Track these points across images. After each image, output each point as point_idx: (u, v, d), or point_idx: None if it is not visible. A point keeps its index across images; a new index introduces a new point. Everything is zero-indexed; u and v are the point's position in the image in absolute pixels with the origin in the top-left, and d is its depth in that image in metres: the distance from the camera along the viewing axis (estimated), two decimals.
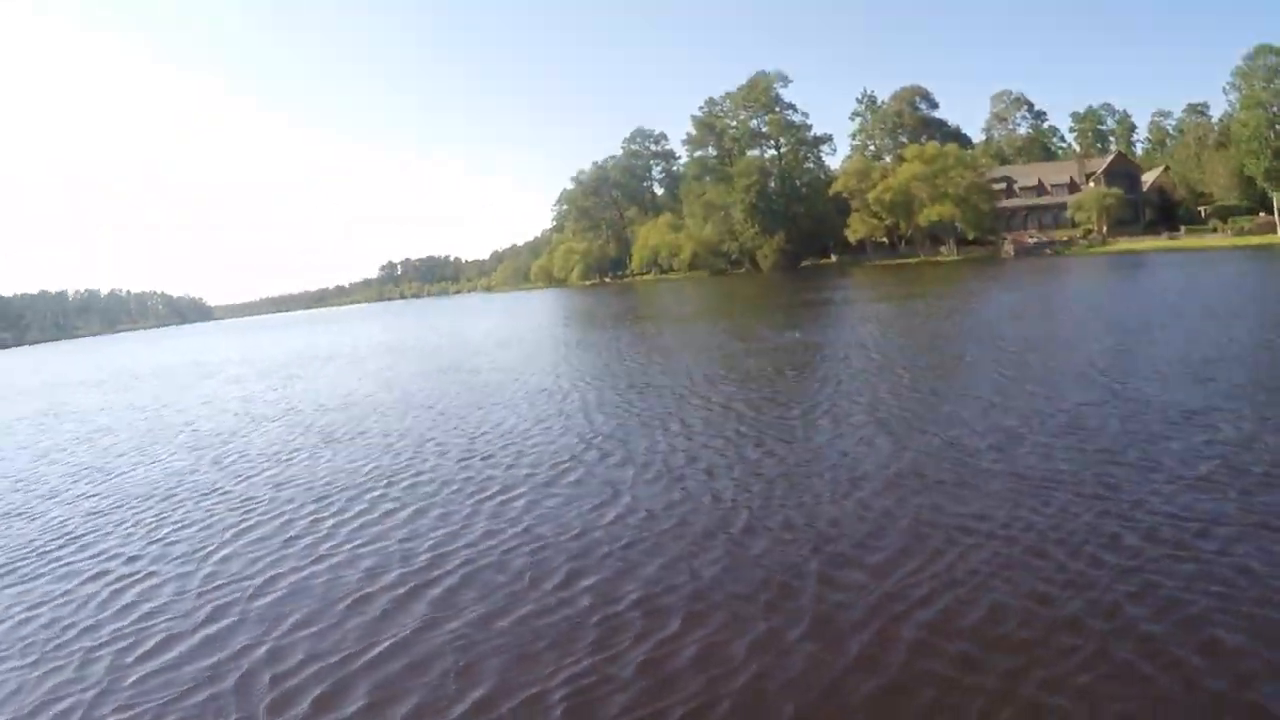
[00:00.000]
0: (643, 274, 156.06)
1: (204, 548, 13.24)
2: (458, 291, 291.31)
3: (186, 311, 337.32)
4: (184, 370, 57.69)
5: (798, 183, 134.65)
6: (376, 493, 15.71)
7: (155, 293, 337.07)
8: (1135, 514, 10.85)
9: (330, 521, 14.04)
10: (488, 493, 14.96)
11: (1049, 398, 18.37)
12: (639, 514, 12.92)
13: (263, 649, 9.38)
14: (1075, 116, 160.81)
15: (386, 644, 9.16)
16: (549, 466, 16.47)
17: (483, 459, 17.83)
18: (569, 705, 7.60)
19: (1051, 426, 15.67)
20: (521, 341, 49.98)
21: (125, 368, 68.16)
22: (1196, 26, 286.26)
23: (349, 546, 12.63)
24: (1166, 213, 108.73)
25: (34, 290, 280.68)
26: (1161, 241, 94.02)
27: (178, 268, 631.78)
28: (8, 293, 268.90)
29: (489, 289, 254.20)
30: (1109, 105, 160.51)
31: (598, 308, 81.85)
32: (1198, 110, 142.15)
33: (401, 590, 10.76)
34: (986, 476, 12.98)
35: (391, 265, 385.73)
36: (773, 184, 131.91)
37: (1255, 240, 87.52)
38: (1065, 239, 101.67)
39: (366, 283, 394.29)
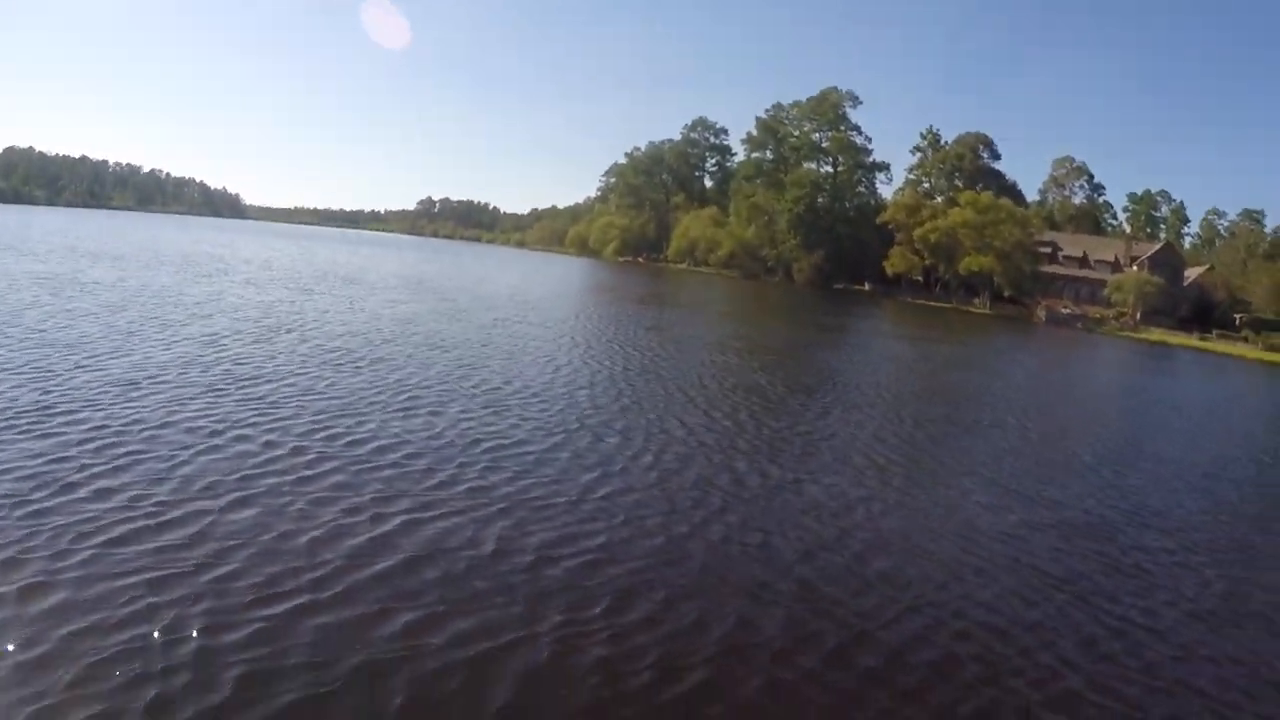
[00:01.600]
0: (677, 262, 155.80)
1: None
2: (490, 241, 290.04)
3: (221, 205, 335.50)
4: (206, 260, 58.90)
5: (847, 204, 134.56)
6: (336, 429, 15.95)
7: (194, 180, 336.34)
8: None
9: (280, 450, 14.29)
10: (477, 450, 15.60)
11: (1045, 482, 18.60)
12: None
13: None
14: (1131, 197, 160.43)
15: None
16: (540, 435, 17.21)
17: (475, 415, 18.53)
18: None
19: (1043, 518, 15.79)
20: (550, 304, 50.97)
21: (150, 246, 68.71)
22: (1267, 135, 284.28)
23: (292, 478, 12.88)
24: (1202, 311, 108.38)
25: (75, 154, 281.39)
26: (1191, 339, 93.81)
27: (219, 161, 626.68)
28: (49, 151, 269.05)
29: (522, 244, 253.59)
30: (1166, 193, 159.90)
31: (628, 286, 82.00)
32: (1253, 217, 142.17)
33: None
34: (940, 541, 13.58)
35: (430, 201, 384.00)
36: (822, 200, 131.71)
37: None
38: (1098, 316, 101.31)
39: (403, 214, 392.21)
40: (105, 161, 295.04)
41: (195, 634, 8.00)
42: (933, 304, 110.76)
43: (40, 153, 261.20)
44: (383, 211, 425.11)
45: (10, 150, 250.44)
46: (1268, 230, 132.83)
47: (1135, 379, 50.64)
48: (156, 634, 7.88)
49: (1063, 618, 11.00)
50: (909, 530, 13.84)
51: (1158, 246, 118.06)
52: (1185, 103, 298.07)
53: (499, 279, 74.51)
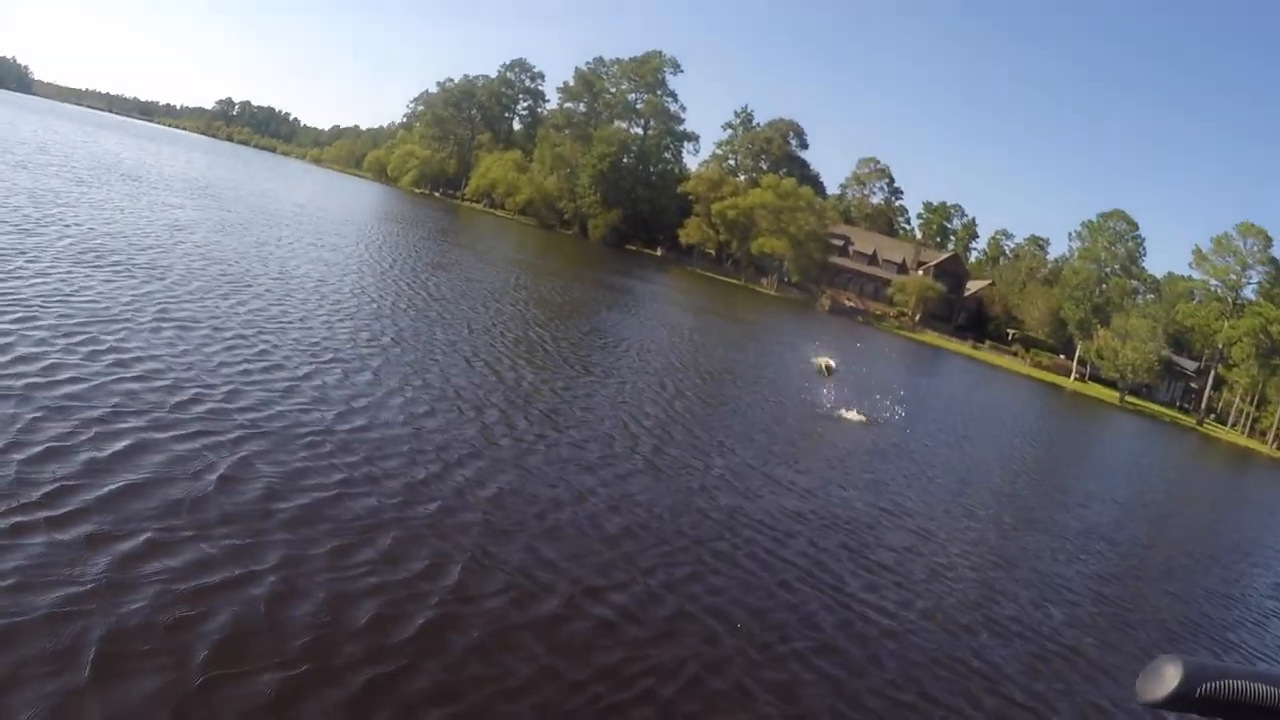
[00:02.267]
0: (473, 201, 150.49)
1: None
2: (285, 154, 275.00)
3: (5, 76, 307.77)
4: None
5: (651, 168, 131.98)
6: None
7: None
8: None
9: None
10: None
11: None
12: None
13: None
14: (927, 205, 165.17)
15: None
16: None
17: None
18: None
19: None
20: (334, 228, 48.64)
21: None
22: (1058, 168, 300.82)
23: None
24: (979, 322, 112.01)
25: None
26: (964, 346, 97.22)
27: (9, 30, 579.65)
28: None
29: (318, 161, 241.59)
30: (960, 206, 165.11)
31: (419, 220, 79.15)
32: (1038, 243, 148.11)
33: None
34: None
35: (229, 102, 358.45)
36: (627, 160, 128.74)
37: (1047, 376, 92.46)
38: (880, 313, 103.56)
39: (199, 112, 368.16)
40: None
41: None
42: (721, 278, 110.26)
43: None
44: (178, 107, 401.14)
45: None
46: (1050, 258, 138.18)
47: (914, 377, 52.37)
48: None
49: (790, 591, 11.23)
50: (652, 496, 13.42)
51: (945, 256, 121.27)
52: (991, 126, 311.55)
53: (288, 195, 69.64)
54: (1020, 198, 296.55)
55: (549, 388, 19.45)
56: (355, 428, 12.83)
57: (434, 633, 7.86)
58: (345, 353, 17.57)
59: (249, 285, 22.70)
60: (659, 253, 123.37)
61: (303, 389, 14.21)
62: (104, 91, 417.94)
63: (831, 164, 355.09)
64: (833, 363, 28.60)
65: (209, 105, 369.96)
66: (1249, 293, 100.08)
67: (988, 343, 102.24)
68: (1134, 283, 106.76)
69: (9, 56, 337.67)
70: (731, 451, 17.72)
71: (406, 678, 7.12)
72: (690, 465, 15.83)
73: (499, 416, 15.63)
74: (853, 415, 25.76)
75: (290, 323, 19.20)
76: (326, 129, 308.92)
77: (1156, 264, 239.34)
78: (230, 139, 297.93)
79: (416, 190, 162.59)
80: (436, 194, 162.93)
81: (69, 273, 18.26)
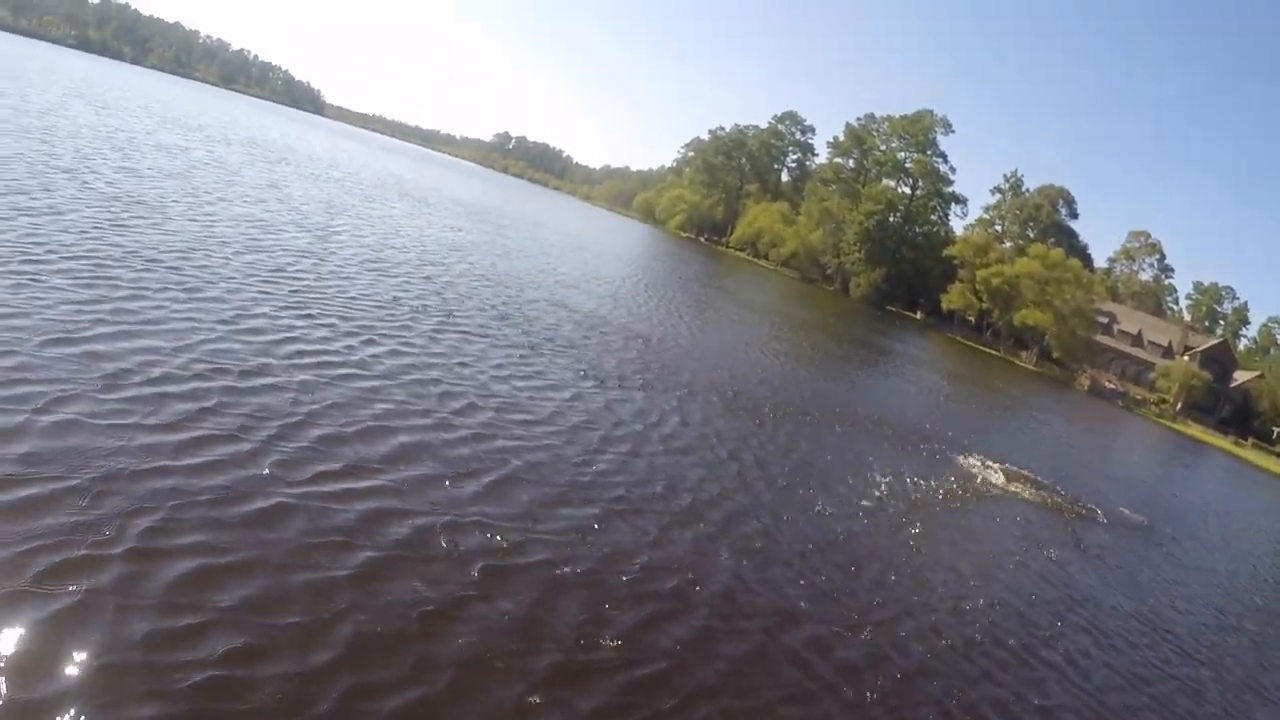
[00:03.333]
0: (737, 249, 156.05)
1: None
2: (557, 189, 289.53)
3: (301, 97, 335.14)
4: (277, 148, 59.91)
5: (917, 229, 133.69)
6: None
7: (279, 67, 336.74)
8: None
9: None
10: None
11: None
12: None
13: None
14: (1197, 286, 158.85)
15: None
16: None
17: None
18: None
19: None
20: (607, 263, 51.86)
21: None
22: None
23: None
24: (1243, 416, 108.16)
25: (169, 19, 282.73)
26: (1227, 443, 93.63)
27: (307, 53, 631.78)
28: (144, 11, 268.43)
29: (588, 198, 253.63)
30: (1231, 289, 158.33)
31: (686, 263, 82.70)
32: None
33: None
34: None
35: (506, 136, 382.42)
36: (894, 219, 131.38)
37: None
38: (1140, 397, 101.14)
39: (477, 143, 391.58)
40: (196, 31, 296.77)
41: None
42: (980, 347, 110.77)
43: (135, 10, 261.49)
44: (457, 137, 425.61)
45: (106, 3, 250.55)
46: None
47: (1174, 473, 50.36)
48: None
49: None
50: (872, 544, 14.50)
51: (1214, 342, 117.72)
52: (1272, 202, 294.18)
53: (560, 226, 75.22)
54: None
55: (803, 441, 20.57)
56: (604, 469, 13.65)
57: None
58: (610, 383, 19.48)
59: (525, 309, 25.72)
60: (919, 316, 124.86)
61: (573, 410, 16.25)
62: (388, 118, 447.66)
63: (1101, 237, 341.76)
64: None
65: (486, 138, 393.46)
66: None
67: (1251, 440, 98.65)
68: None
69: (305, 81, 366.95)
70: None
71: None
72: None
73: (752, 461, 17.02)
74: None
75: (560, 348, 21.48)
76: (597, 168, 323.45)
77: None
78: (505, 171, 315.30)
79: (682, 234, 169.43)
80: (701, 239, 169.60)
81: (354, 276, 22.22)
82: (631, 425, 16.48)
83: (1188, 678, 13.61)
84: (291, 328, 15.68)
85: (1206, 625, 17.31)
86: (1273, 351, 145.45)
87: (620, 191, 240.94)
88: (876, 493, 17.79)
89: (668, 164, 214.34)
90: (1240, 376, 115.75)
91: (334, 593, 7.93)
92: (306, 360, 14.04)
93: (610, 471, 13.44)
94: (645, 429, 16.57)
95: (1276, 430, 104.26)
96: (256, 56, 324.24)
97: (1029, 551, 17.58)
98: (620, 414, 17.01)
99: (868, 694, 9.38)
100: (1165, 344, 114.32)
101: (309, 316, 16.87)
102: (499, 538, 9.94)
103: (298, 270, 20.95)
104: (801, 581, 11.74)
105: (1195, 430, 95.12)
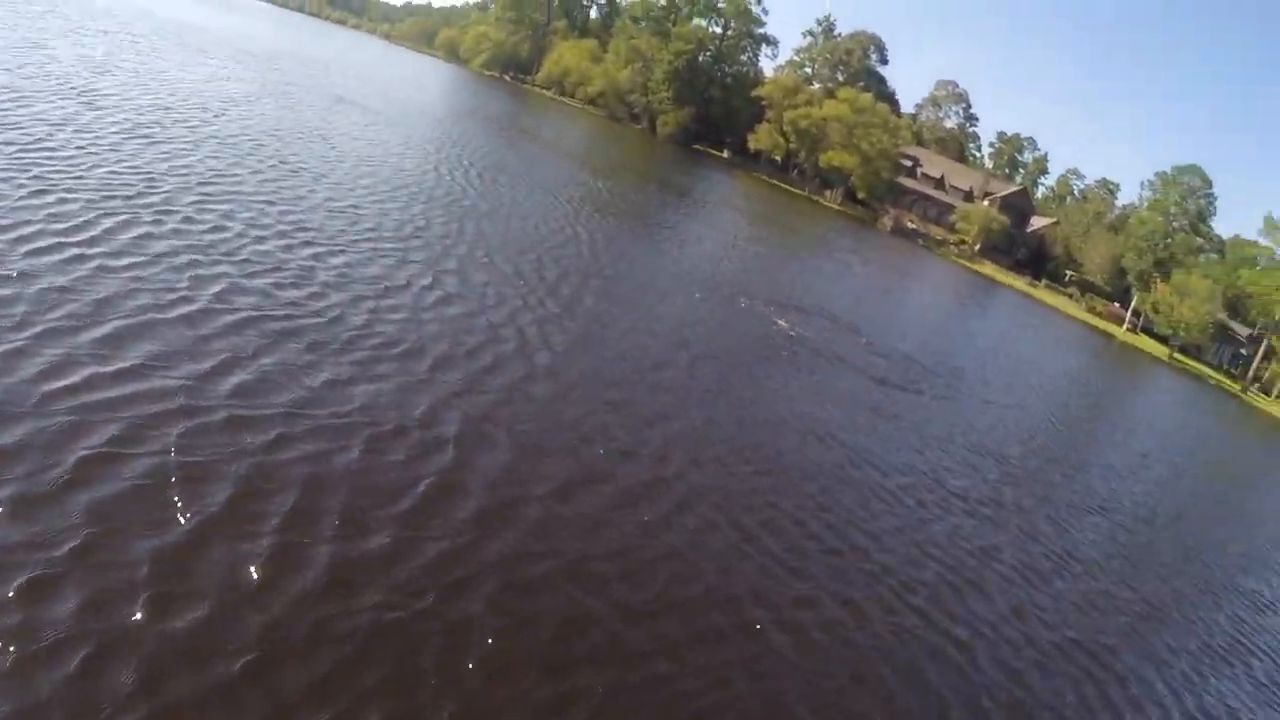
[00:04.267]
0: (543, 88, 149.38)
1: None
2: (356, 28, 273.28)
3: None
4: None
5: (727, 69, 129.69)
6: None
7: None
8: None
9: None
10: None
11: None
12: None
13: None
14: (1000, 135, 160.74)
15: None
16: None
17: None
18: None
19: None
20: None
21: None
22: (1145, 113, 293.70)
23: None
24: (1038, 259, 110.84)
25: None
26: (1021, 282, 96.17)
27: None
28: None
29: (388, 37, 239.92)
30: (1033, 140, 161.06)
31: (490, 104, 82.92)
32: (1108, 187, 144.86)
33: None
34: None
35: None
36: (704, 59, 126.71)
37: (1099, 322, 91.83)
38: (940, 238, 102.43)
39: None
40: None
41: None
42: (785, 186, 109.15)
43: None
44: None
45: None
46: (1118, 204, 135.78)
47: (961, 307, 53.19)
48: None
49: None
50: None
51: (1013, 189, 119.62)
52: (1074, 60, 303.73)
53: (371, 74, 70.25)
54: (1095, 138, 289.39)
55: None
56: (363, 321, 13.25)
57: None
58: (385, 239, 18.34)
59: (301, 170, 23.16)
60: (725, 155, 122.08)
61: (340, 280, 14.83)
62: None
63: (909, 83, 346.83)
64: None
65: None
66: None
67: (1044, 281, 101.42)
68: (1199, 241, 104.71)
69: None
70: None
71: None
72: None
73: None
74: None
75: (333, 211, 19.41)
76: (399, 4, 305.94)
77: (1225, 226, 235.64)
78: (301, 9, 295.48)
79: (487, 73, 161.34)
80: (507, 78, 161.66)
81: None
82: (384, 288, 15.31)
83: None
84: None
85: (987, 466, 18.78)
86: (1068, 200, 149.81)
87: (423, 29, 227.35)
88: (654, 344, 17.77)
89: (473, 1, 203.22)
90: (1037, 222, 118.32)
91: None
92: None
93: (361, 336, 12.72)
94: (410, 293, 15.51)
95: (1069, 274, 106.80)
96: None
97: (813, 399, 18.05)
98: (383, 279, 15.73)
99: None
100: (967, 189, 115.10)
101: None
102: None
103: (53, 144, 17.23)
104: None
105: (990, 270, 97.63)
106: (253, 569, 7.26)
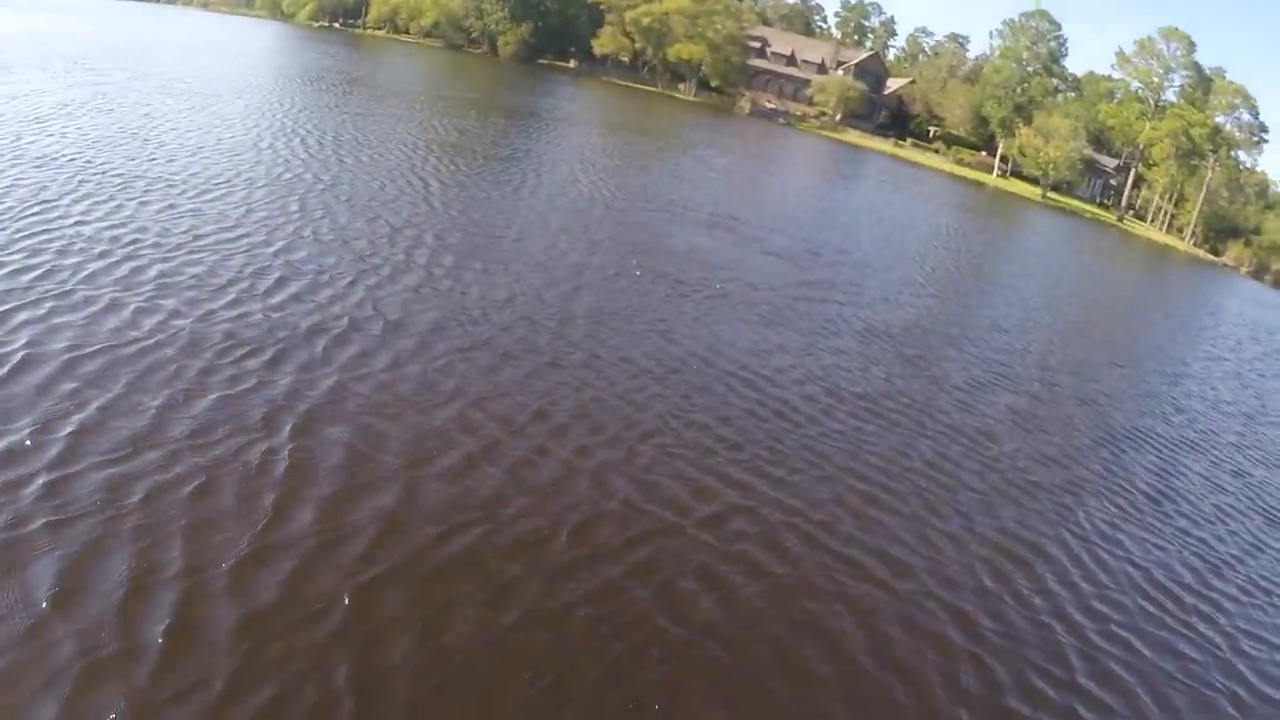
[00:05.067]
0: (376, 29, 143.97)
1: None
2: (170, 2, 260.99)
3: None
4: None
5: None
6: None
7: None
8: None
9: None
10: None
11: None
12: None
13: None
14: (844, 4, 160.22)
15: None
16: None
17: None
18: None
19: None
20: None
21: None
22: None
23: None
24: (900, 120, 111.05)
25: None
26: (887, 145, 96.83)
27: None
28: None
29: (206, 5, 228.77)
30: (877, 4, 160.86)
31: (314, 53, 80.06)
32: (958, 41, 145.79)
33: None
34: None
35: None
36: None
37: (969, 173, 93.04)
38: (800, 113, 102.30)
39: None
40: None
41: None
42: (638, 86, 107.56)
43: None
44: None
45: None
46: (971, 56, 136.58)
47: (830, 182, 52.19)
48: None
49: None
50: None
51: (865, 55, 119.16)
52: None
53: (189, 52, 65.41)
54: None
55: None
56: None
57: None
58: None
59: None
60: (572, 65, 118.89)
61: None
62: None
63: None
64: None
65: None
66: (1170, 95, 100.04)
67: (910, 141, 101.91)
68: (1055, 81, 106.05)
69: None
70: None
71: None
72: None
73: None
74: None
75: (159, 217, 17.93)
76: None
77: (1078, 64, 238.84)
78: None
79: (315, 24, 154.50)
80: (336, 25, 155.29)
81: None
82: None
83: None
84: None
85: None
86: (920, 58, 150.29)
87: None
88: (517, 293, 16.80)
89: None
90: (893, 84, 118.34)
91: None
92: None
93: None
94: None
95: (933, 130, 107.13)
96: None
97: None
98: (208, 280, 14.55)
99: None
100: (819, 61, 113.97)
101: None
102: None
103: None
104: None
105: (854, 137, 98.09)
106: None
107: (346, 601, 7.55)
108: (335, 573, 7.89)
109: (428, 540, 8.62)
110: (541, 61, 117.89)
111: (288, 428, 10.09)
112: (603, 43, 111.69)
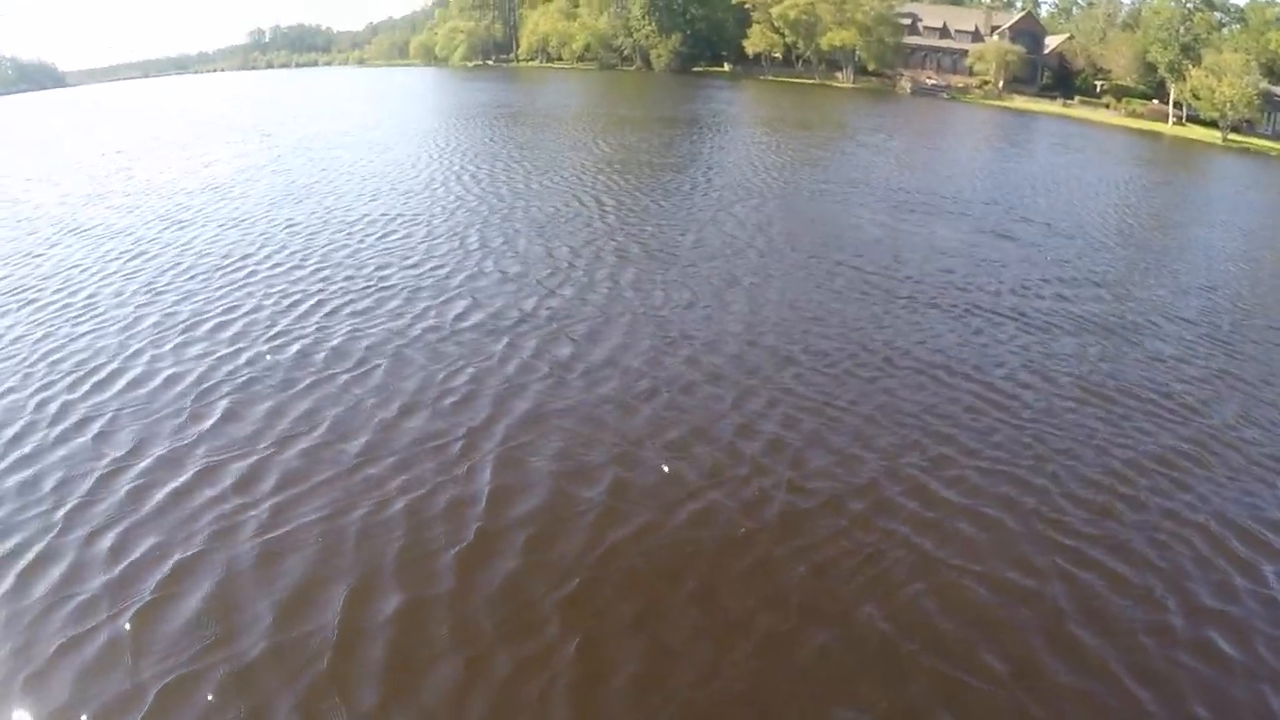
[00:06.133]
0: (529, 60, 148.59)
1: None
2: (329, 63, 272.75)
3: (39, 77, 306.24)
4: None
5: None
6: None
7: (3, 57, 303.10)
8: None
9: None
10: None
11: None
12: None
13: None
14: None
15: None
16: None
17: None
18: None
19: None
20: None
21: None
22: None
23: None
24: (1064, 79, 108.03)
25: None
26: (1055, 106, 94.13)
27: (29, 32, 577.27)
28: None
29: (362, 62, 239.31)
30: None
31: (477, 92, 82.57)
32: None
33: None
34: None
35: (259, 32, 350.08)
36: None
37: (1143, 124, 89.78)
38: (961, 85, 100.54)
39: (232, 50, 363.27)
40: None
41: None
42: (795, 80, 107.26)
43: None
44: (211, 51, 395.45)
45: None
46: (1126, 2, 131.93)
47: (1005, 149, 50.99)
48: None
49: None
50: None
51: (1018, 16, 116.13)
52: None
53: (350, 106, 69.93)
54: None
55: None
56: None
57: None
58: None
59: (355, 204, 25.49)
60: (727, 68, 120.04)
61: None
62: (133, 61, 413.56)
63: None
64: None
65: (242, 40, 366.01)
66: None
67: (1077, 98, 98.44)
68: (1219, 15, 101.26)
69: (36, 59, 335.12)
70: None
71: None
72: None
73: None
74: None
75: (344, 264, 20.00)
76: (361, 29, 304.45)
77: None
78: (270, 65, 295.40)
79: (470, 65, 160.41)
80: (489, 62, 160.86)
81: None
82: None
83: None
84: None
85: None
86: (1074, 11, 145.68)
87: (393, 44, 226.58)
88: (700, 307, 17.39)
89: (429, 1, 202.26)
90: (1051, 42, 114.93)
91: None
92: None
93: None
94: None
95: (1099, 84, 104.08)
96: None
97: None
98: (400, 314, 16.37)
99: None
100: (972, 29, 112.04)
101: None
102: None
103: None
104: None
105: (1020, 102, 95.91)
106: None
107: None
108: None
109: (642, 527, 9.53)
110: (696, 69, 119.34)
111: (491, 453, 11.07)
112: (753, 42, 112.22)
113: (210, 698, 7.18)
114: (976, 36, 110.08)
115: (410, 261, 19.62)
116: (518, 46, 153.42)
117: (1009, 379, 14.36)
